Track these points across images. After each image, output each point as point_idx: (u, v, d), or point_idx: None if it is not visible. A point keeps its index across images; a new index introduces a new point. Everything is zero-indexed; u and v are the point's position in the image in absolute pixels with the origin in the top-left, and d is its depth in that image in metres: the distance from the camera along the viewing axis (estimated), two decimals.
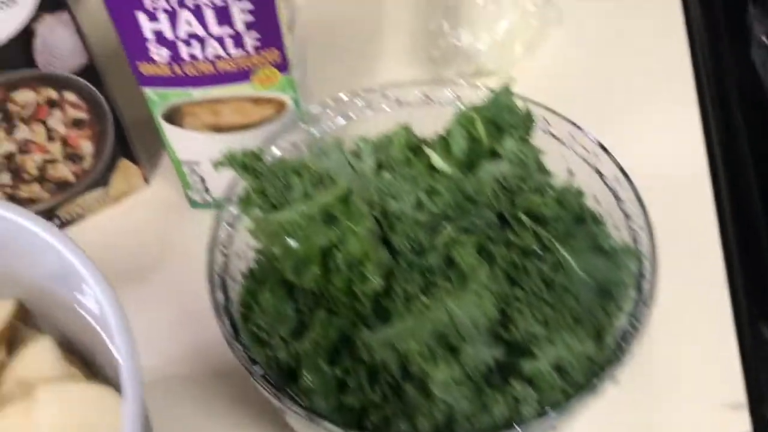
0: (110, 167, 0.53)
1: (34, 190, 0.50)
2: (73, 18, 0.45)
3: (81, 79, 0.47)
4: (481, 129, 0.42)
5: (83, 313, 0.35)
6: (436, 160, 0.41)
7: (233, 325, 0.37)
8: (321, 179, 0.42)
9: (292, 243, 0.36)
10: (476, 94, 0.45)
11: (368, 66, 0.64)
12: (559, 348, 0.33)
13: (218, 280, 0.38)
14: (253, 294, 0.40)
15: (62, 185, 0.51)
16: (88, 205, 0.54)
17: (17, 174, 0.49)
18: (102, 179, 0.53)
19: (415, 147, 0.43)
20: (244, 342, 0.36)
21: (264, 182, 0.40)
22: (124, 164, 0.54)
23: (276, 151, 0.44)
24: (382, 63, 0.65)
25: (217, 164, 0.40)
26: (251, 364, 0.35)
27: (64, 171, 0.51)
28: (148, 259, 0.54)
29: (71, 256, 0.34)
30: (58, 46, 0.45)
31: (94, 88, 0.48)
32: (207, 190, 0.53)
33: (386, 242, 0.38)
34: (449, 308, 0.35)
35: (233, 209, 0.41)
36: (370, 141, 0.43)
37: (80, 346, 0.39)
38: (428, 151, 0.41)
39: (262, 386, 0.34)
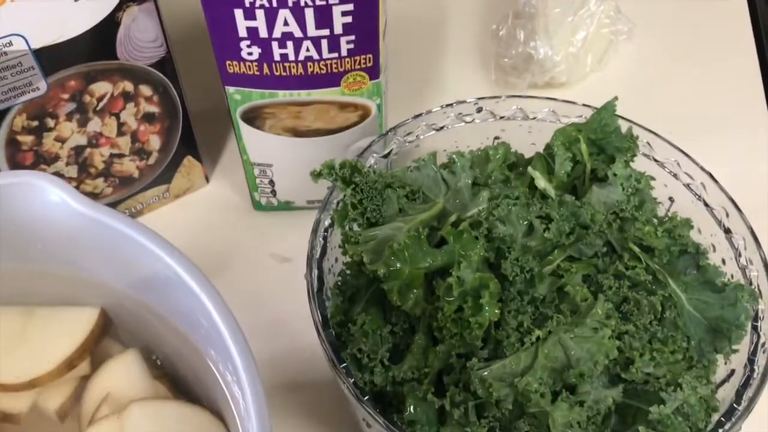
0: (175, 164, 0.51)
1: (98, 184, 0.48)
2: (157, 8, 0.43)
3: (158, 72, 0.45)
4: (584, 150, 0.40)
5: (178, 326, 0.34)
6: (541, 182, 0.39)
7: (334, 349, 0.35)
8: (414, 193, 0.40)
9: (397, 264, 0.35)
10: (573, 110, 0.43)
11: (433, 69, 0.63)
12: (686, 392, 0.32)
13: (317, 299, 0.36)
14: (345, 313, 0.38)
15: (126, 180, 0.49)
16: (148, 201, 0.52)
17: (84, 167, 0.47)
18: (165, 176, 0.51)
19: (512, 164, 0.41)
20: (348, 367, 0.34)
21: (361, 196, 0.38)
22: (189, 162, 0.52)
23: (369, 161, 0.42)
24: (447, 67, 0.63)
25: (315, 174, 0.38)
26: (359, 391, 0.33)
27: (129, 166, 0.49)
28: (210, 261, 0.51)
29: (175, 263, 0.32)
30: (140, 37, 0.43)
31: (169, 83, 0.46)
32: (274, 193, 0.52)
33: (491, 267, 0.36)
34: (565, 344, 0.33)
35: (326, 221, 0.39)
36: (466, 156, 0.41)
37: (162, 356, 0.37)
38: (532, 172, 0.39)
39: (370, 413, 0.33)
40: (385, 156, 0.43)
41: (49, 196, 0.33)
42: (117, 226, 0.32)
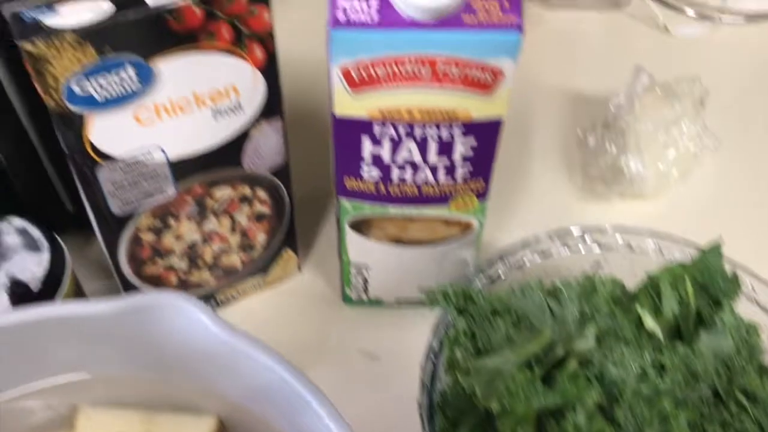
0: (275, 257, 0.53)
1: (204, 275, 0.50)
2: (284, 123, 0.45)
3: (275, 179, 0.47)
4: (690, 292, 0.41)
5: None
6: (650, 322, 0.40)
7: None
8: (519, 320, 0.42)
9: (512, 402, 0.36)
10: (680, 249, 0.44)
11: (517, 168, 0.64)
12: None
13: (429, 428, 0.37)
14: None
15: (229, 271, 0.51)
16: (244, 289, 0.54)
17: (194, 261, 0.49)
18: (264, 267, 0.53)
19: (619, 299, 0.43)
20: None
21: (473, 325, 0.39)
22: (287, 254, 0.54)
23: (476, 284, 0.43)
24: (532, 167, 0.64)
25: (430, 301, 0.40)
26: None
27: (234, 259, 0.51)
28: (298, 351, 0.53)
29: (296, 383, 0.34)
30: (265, 148, 0.45)
31: (282, 187, 0.48)
32: (366, 290, 0.53)
33: (600, 408, 0.37)
34: None
35: (435, 343, 0.41)
36: (573, 286, 0.42)
37: None
38: (641, 312, 0.40)
39: None
40: (492, 281, 0.44)
41: (189, 316, 0.35)
42: (253, 353, 0.34)
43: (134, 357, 0.36)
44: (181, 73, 0.38)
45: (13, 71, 0.45)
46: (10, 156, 0.47)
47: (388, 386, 0.51)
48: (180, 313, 0.35)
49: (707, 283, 0.42)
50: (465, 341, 0.39)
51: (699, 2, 0.79)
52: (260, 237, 0.50)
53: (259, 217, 0.49)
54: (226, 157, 0.44)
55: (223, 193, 0.46)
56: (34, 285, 0.44)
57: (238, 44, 0.39)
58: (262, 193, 0.48)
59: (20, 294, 0.43)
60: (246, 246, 0.50)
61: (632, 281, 0.44)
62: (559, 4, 0.79)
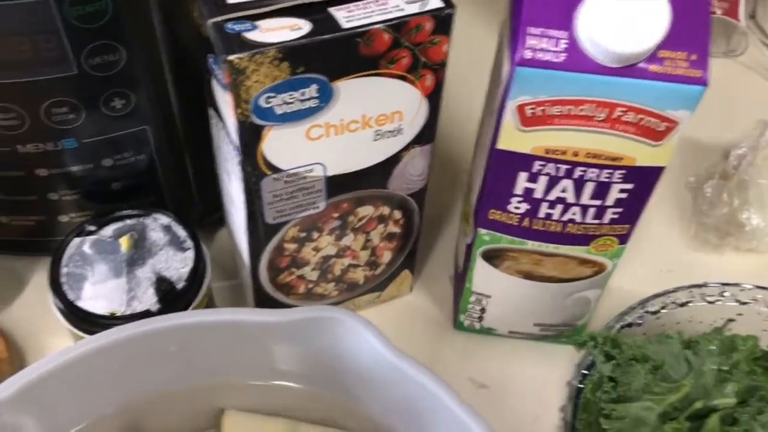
0: (394, 276, 0.54)
1: (329, 287, 0.51)
2: (433, 149, 0.46)
3: (412, 200, 0.48)
4: None
5: None
6: None
7: None
8: (656, 369, 0.42)
9: None
10: None
11: None
12: None
13: None
14: None
15: (352, 286, 0.52)
16: (360, 304, 0.55)
17: (324, 273, 0.49)
18: (382, 284, 0.54)
19: (758, 358, 0.42)
20: None
21: (618, 371, 0.40)
22: (404, 274, 0.54)
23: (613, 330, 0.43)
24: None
25: (579, 343, 0.40)
26: None
27: (359, 275, 0.51)
28: None
29: (461, 412, 0.34)
30: (411, 172, 0.46)
31: (417, 209, 0.49)
32: (481, 318, 0.54)
33: None
34: None
35: (576, 383, 0.41)
36: (712, 340, 0.42)
37: None
38: None
39: None
40: (629, 325, 0.44)
41: (359, 335, 0.35)
42: (418, 378, 0.35)
43: (293, 367, 0.37)
44: (356, 95, 0.39)
45: (176, 72, 0.46)
46: (161, 148, 0.49)
47: (496, 416, 0.51)
48: (350, 331, 0.36)
49: None
50: (608, 386, 0.39)
51: None
52: (386, 256, 0.51)
53: (389, 237, 0.50)
54: (375, 178, 0.44)
55: (366, 211, 0.47)
56: (179, 283, 0.45)
57: (413, 71, 0.40)
58: (397, 214, 0.48)
59: (165, 291, 0.44)
60: (372, 263, 0.51)
61: (762, 337, 0.44)
62: None
